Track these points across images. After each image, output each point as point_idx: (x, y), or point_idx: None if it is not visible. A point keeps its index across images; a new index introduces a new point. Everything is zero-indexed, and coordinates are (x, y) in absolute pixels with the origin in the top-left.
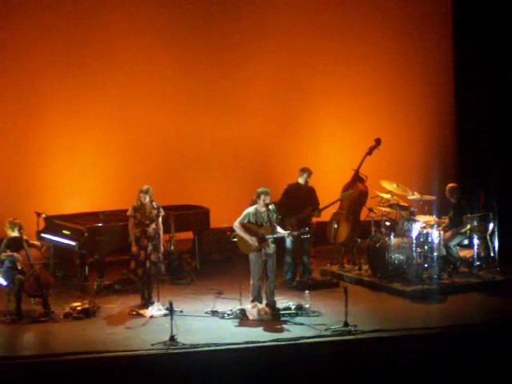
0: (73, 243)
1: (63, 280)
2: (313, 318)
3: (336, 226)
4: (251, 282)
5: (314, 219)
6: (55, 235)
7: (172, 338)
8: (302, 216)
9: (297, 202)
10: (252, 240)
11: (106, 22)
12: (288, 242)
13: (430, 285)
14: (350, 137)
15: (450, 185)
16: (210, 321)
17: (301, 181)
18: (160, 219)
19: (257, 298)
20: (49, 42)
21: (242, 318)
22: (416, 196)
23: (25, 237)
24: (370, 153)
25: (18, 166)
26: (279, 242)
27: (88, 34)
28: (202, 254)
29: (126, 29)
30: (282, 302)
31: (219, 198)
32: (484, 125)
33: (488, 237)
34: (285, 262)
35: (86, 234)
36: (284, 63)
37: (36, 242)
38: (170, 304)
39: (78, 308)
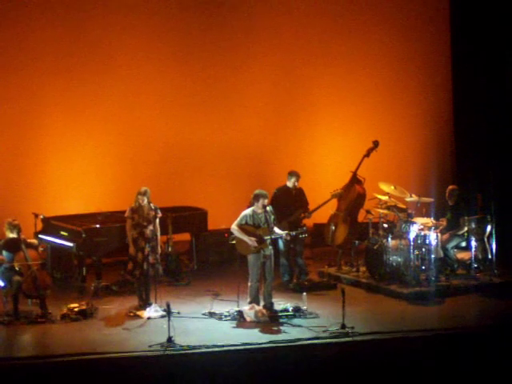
0: (70, 244)
1: (61, 281)
2: (310, 320)
3: (334, 227)
4: (249, 284)
5: (307, 220)
6: (53, 236)
7: (169, 340)
8: (292, 219)
9: (287, 206)
10: (251, 240)
11: (104, 24)
12: (280, 244)
13: (427, 287)
14: (348, 139)
15: (451, 187)
16: (207, 322)
17: (289, 184)
18: (157, 221)
19: (254, 300)
20: (47, 42)
21: (240, 319)
22: (414, 198)
23: (22, 236)
24: (367, 155)
25: (17, 167)
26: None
27: (87, 35)
28: (200, 256)
29: (125, 31)
30: (279, 303)
31: (217, 199)
32: (482, 127)
33: (486, 239)
34: (280, 264)
35: (83, 235)
36: (281, 65)
37: (33, 241)
38: (168, 305)
39: (76, 309)
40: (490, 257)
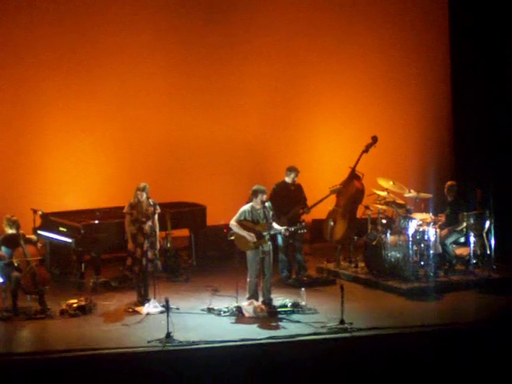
0: (69, 240)
1: (59, 277)
2: (309, 316)
3: (332, 223)
4: (248, 280)
5: (306, 216)
6: (51, 232)
7: (168, 335)
8: (291, 214)
9: (286, 201)
10: (250, 236)
11: (103, 21)
12: (279, 240)
13: (426, 282)
14: (347, 134)
15: (449, 182)
16: (206, 318)
17: (288, 180)
18: (156, 216)
19: (253, 296)
20: (46, 40)
21: (238, 315)
22: (412, 194)
23: (21, 232)
24: (366, 150)
25: (15, 164)
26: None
27: (85, 32)
28: (199, 252)
29: (124, 28)
30: (278, 299)
31: (216, 195)
32: (480, 123)
33: (484, 235)
34: (279, 260)
35: (82, 231)
36: (280, 62)
37: (32, 237)
38: (167, 301)
39: (74, 305)
40: (488, 252)
